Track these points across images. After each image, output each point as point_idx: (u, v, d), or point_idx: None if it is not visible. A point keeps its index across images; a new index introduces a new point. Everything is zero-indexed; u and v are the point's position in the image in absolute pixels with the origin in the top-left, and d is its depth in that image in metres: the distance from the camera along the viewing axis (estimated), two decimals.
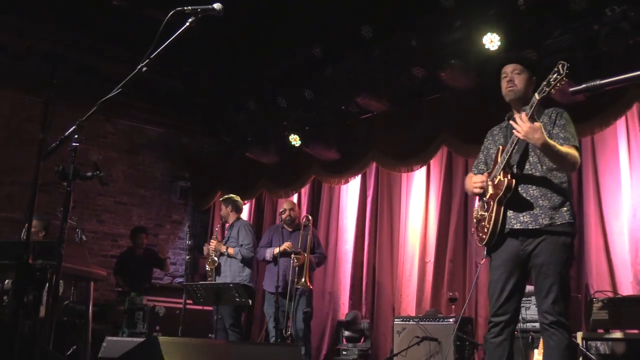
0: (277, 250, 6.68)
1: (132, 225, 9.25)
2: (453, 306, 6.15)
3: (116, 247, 9.44)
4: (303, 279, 6.31)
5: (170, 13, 2.86)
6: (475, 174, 3.90)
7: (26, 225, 6.42)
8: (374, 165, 7.81)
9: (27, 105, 8.72)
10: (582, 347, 4.76)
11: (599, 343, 4.75)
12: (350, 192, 8.30)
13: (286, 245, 6.62)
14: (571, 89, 2.22)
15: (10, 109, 8.72)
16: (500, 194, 3.52)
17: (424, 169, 7.40)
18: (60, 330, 5.75)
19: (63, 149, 2.99)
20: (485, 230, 3.60)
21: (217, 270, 6.81)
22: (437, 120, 6.88)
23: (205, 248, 7.09)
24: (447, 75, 6.26)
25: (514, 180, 3.52)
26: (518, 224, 3.51)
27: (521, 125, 3.34)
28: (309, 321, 6.56)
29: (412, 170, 7.37)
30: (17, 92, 8.70)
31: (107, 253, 9.34)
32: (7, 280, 5.74)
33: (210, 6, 2.90)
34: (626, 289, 5.56)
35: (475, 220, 3.77)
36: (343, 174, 7.99)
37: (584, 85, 2.23)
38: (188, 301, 6.55)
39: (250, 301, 6.31)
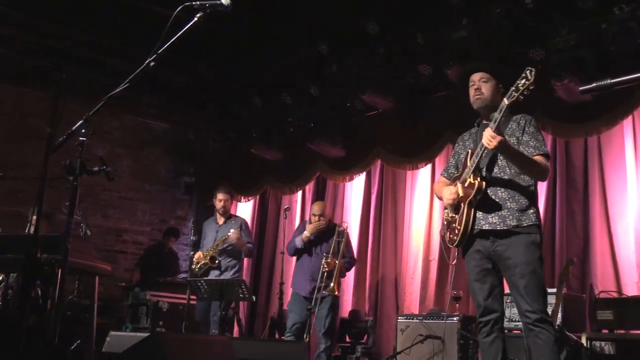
0: (306, 234, 6.46)
1: (136, 221, 9.28)
2: (457, 305, 6.14)
3: (120, 243, 9.46)
4: (332, 285, 6.13)
5: (179, 8, 2.85)
6: (445, 177, 4.01)
7: (32, 219, 6.50)
8: (378, 162, 7.80)
9: (31, 99, 8.72)
10: (587, 347, 4.75)
11: (603, 343, 4.74)
12: (354, 189, 8.29)
13: (314, 225, 6.44)
14: (581, 88, 2.21)
15: (14, 104, 8.72)
16: (471, 196, 3.60)
17: (428, 166, 7.39)
18: (64, 324, 5.76)
19: (69, 143, 2.99)
20: (456, 231, 3.68)
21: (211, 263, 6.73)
22: (442, 118, 6.86)
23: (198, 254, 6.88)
24: (453, 72, 6.23)
25: (484, 183, 3.60)
26: (487, 225, 3.59)
27: (492, 141, 3.39)
28: (334, 322, 6.49)
29: (417, 168, 7.36)
30: (21, 87, 8.70)
31: (112, 248, 9.35)
32: (12, 275, 5.74)
33: (218, 1, 2.89)
34: (631, 289, 5.55)
35: (445, 222, 3.85)
36: (348, 171, 7.97)
37: (594, 85, 2.21)
38: (192, 297, 6.55)
39: (254, 297, 6.32)
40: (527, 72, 3.35)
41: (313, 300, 6.18)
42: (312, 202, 8.57)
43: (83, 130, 2.89)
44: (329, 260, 6.25)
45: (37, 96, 8.67)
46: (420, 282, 7.17)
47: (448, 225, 3.80)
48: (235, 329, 7.79)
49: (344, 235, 6.52)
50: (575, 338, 4.81)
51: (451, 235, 3.75)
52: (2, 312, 4.70)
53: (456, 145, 4.07)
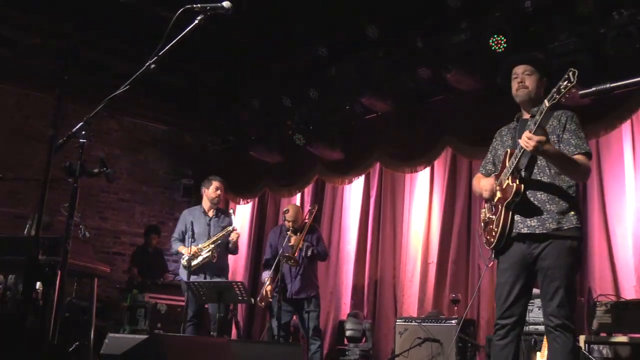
0: (267, 281, 6.45)
1: (134, 223, 9.27)
2: (455, 308, 6.15)
3: (118, 244, 9.46)
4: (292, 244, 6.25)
5: (180, 10, 2.86)
6: (482, 173, 3.91)
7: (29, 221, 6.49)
8: (377, 165, 7.81)
9: (32, 100, 8.74)
10: (585, 350, 4.76)
11: (601, 347, 4.75)
12: (353, 192, 8.30)
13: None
14: (580, 92, 2.22)
15: (15, 104, 8.73)
16: (509, 198, 3.52)
17: (427, 170, 7.40)
18: (62, 326, 5.76)
19: (69, 145, 2.99)
20: (493, 233, 3.60)
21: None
22: (441, 121, 6.88)
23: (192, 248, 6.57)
24: (452, 76, 6.25)
25: (522, 186, 3.51)
26: (525, 229, 3.51)
27: (531, 138, 3.32)
28: (318, 319, 6.51)
29: (416, 171, 7.37)
30: (22, 88, 8.71)
31: (110, 250, 9.36)
32: (10, 276, 5.74)
33: (219, 4, 2.90)
34: (629, 292, 5.56)
35: (482, 223, 3.77)
36: (347, 174, 7.99)
37: (593, 89, 2.22)
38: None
39: (252, 300, 6.31)
40: (570, 73, 3.22)
41: (278, 265, 6.18)
42: (311, 206, 8.59)
43: (83, 132, 2.89)
44: (291, 260, 6.22)
45: (38, 98, 8.69)
46: (418, 285, 7.17)
47: (485, 226, 3.72)
48: (234, 331, 7.79)
49: (312, 214, 6.57)
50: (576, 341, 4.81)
51: (488, 237, 3.68)
52: (0, 314, 4.69)
53: (494, 140, 3.93)
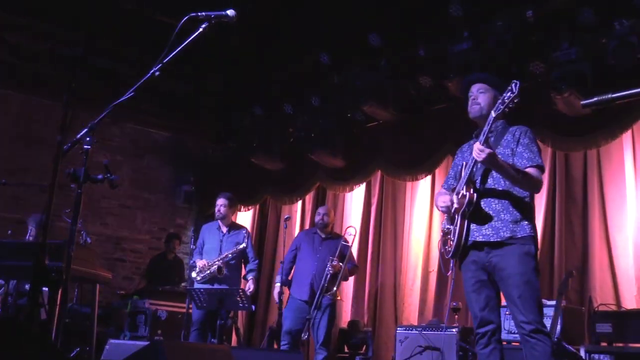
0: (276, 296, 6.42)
1: (136, 229, 9.27)
2: (456, 316, 6.14)
3: (119, 251, 9.46)
4: (335, 289, 6.11)
5: (184, 19, 2.88)
6: (445, 188, 4.00)
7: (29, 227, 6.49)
8: (379, 173, 7.83)
9: (35, 106, 8.76)
10: (586, 359, 4.76)
11: (602, 356, 4.75)
12: (354, 200, 8.31)
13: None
14: (582, 102, 2.23)
15: (19, 110, 8.76)
16: (464, 207, 3.60)
17: (428, 178, 7.41)
18: (64, 332, 5.76)
19: (73, 151, 3.01)
20: (450, 242, 3.69)
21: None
22: (443, 130, 6.89)
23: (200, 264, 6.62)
24: (454, 85, 6.27)
25: (475, 195, 3.61)
26: (480, 237, 3.59)
27: (480, 154, 3.42)
28: (331, 331, 6.42)
29: (417, 179, 7.39)
30: (27, 93, 8.74)
31: (111, 256, 9.35)
32: (11, 281, 5.75)
33: (223, 12, 2.92)
34: (630, 302, 5.56)
35: (442, 233, 3.86)
36: (348, 182, 8.00)
37: (595, 99, 2.23)
38: (191, 305, 6.53)
39: (253, 307, 6.31)
40: (513, 85, 3.39)
41: (314, 303, 6.12)
42: (312, 212, 8.61)
43: (88, 139, 2.91)
44: (334, 263, 6.19)
45: (43, 103, 8.71)
46: (419, 293, 7.18)
47: (444, 237, 3.82)
48: (234, 338, 7.78)
49: (351, 240, 6.54)
50: (574, 350, 4.81)
51: (447, 247, 3.77)
52: (2, 319, 4.69)
53: (455, 156, 4.09)
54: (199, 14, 2.92)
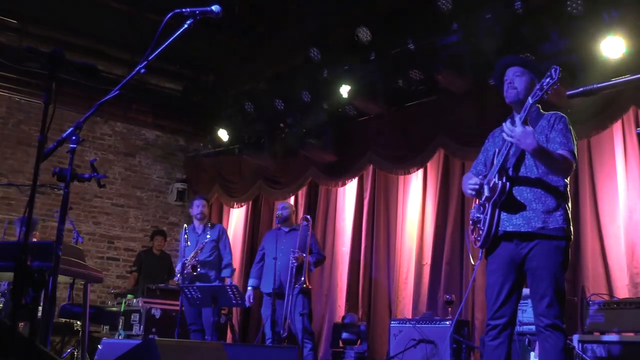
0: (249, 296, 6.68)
1: (128, 227, 9.25)
2: (450, 309, 6.15)
3: (112, 249, 9.43)
4: (303, 278, 6.24)
5: (169, 15, 2.86)
6: (473, 173, 3.90)
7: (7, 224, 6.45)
8: (370, 167, 7.83)
9: (23, 106, 8.72)
10: (578, 349, 4.77)
11: (595, 346, 4.77)
12: (347, 194, 8.30)
13: None
14: (568, 92, 2.23)
15: (7, 110, 8.71)
16: (495, 196, 3.53)
17: (420, 171, 7.41)
18: (56, 331, 5.74)
19: (60, 150, 2.99)
20: (480, 232, 3.61)
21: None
22: (434, 123, 6.90)
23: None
24: (443, 78, 6.27)
25: (507, 183, 3.52)
26: (511, 227, 3.51)
27: (513, 130, 3.35)
28: (309, 321, 6.50)
29: (409, 173, 7.39)
30: (14, 93, 8.69)
31: (104, 255, 9.33)
32: (2, 282, 5.73)
33: (209, 8, 2.90)
34: (622, 291, 5.58)
35: (471, 222, 3.77)
36: (340, 177, 8.00)
37: (581, 89, 2.24)
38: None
39: (247, 303, 6.32)
40: (552, 70, 3.29)
41: (285, 297, 6.32)
42: (305, 208, 8.61)
43: (73, 137, 2.89)
44: (297, 255, 6.38)
45: (31, 103, 8.66)
46: (413, 286, 7.18)
47: (474, 226, 3.72)
48: (229, 335, 7.78)
49: (308, 228, 6.61)
50: (567, 341, 4.83)
51: (475, 236, 3.68)
52: None
53: (486, 141, 3.94)
54: (184, 10, 2.90)
